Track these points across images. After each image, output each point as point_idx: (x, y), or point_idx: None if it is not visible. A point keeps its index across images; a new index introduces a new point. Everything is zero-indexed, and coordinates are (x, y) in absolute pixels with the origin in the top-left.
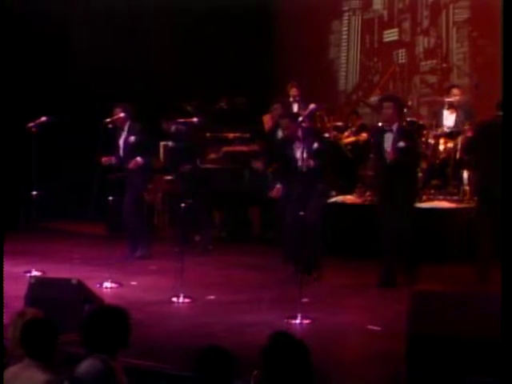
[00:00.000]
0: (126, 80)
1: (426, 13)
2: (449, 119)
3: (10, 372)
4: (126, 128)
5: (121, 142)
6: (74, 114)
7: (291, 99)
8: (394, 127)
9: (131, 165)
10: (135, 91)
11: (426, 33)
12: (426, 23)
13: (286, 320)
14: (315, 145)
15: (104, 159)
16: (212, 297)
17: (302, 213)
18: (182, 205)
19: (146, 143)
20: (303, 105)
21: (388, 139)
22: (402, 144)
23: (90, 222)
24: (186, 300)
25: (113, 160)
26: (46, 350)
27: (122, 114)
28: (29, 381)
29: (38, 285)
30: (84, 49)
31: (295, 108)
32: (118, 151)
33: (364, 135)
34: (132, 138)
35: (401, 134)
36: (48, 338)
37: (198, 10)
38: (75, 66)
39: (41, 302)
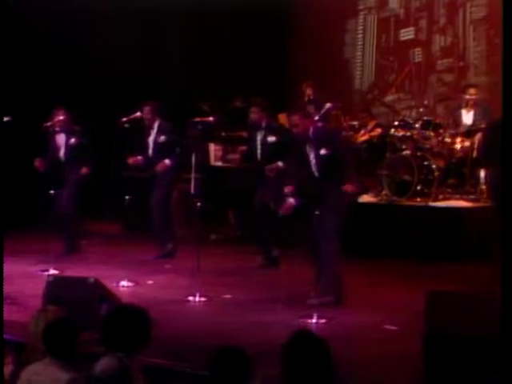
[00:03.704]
0: (142, 80)
1: (442, 11)
2: (467, 118)
3: (31, 369)
4: (155, 127)
5: (150, 140)
6: (91, 113)
7: (306, 99)
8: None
9: (159, 167)
10: (151, 90)
11: (442, 31)
12: (442, 21)
13: (301, 319)
14: (322, 151)
15: (131, 160)
16: (228, 296)
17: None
18: (198, 204)
19: (176, 143)
20: (319, 105)
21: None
22: (323, 152)
23: (106, 221)
24: (202, 299)
25: (139, 160)
26: (68, 349)
27: (138, 114)
28: (52, 379)
29: (55, 283)
30: (101, 48)
31: (311, 108)
32: (147, 150)
33: (378, 130)
34: (162, 138)
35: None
36: (70, 336)
37: (214, 10)
38: (92, 66)
39: (58, 300)
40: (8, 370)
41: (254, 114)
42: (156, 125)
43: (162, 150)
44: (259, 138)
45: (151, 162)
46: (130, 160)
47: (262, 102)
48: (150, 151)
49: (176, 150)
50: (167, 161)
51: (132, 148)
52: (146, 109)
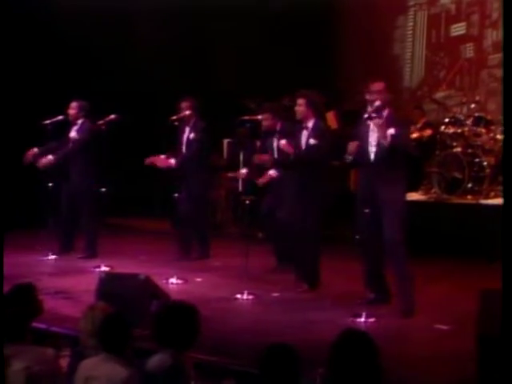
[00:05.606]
0: (188, 77)
1: (495, 5)
2: None
3: (87, 365)
4: (191, 124)
5: (184, 138)
6: (139, 112)
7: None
8: (310, 124)
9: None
10: (197, 88)
11: (494, 25)
12: (495, 16)
13: (350, 318)
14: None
15: (163, 162)
16: (276, 294)
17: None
18: (247, 202)
19: (203, 141)
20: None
21: (304, 136)
22: (312, 141)
23: (155, 219)
24: (250, 297)
25: (172, 164)
26: (122, 344)
27: (187, 112)
28: (109, 374)
29: (107, 280)
30: (146, 46)
31: None
32: (181, 147)
33: (428, 131)
34: (192, 135)
35: (314, 132)
36: (124, 332)
37: (262, 7)
38: (139, 65)
39: (110, 296)
40: (65, 362)
41: (266, 121)
42: (192, 123)
43: (190, 147)
44: (275, 144)
45: (182, 160)
46: (162, 163)
47: (274, 107)
48: (184, 148)
49: (202, 150)
50: (172, 160)
51: (170, 147)
52: (185, 105)
